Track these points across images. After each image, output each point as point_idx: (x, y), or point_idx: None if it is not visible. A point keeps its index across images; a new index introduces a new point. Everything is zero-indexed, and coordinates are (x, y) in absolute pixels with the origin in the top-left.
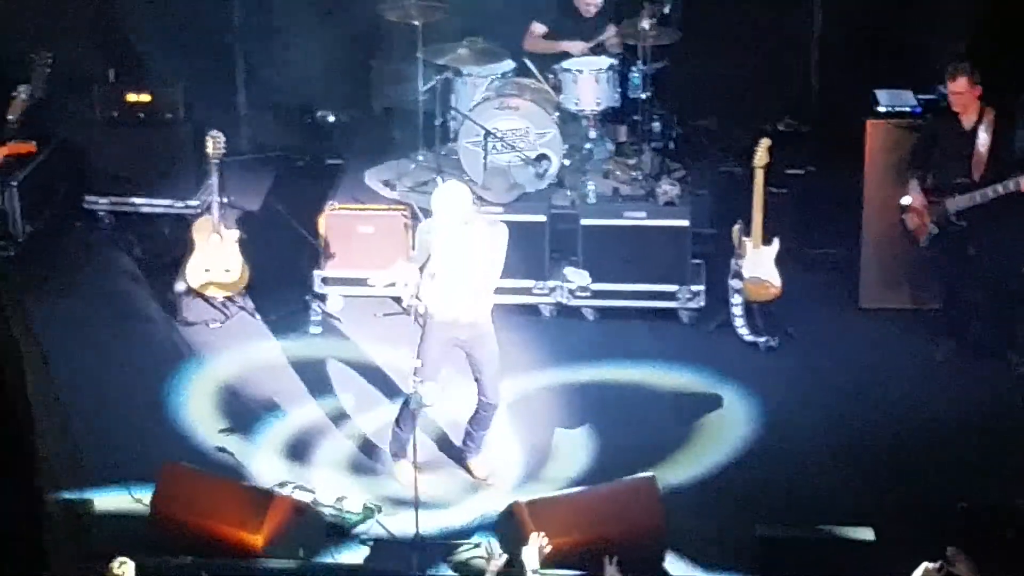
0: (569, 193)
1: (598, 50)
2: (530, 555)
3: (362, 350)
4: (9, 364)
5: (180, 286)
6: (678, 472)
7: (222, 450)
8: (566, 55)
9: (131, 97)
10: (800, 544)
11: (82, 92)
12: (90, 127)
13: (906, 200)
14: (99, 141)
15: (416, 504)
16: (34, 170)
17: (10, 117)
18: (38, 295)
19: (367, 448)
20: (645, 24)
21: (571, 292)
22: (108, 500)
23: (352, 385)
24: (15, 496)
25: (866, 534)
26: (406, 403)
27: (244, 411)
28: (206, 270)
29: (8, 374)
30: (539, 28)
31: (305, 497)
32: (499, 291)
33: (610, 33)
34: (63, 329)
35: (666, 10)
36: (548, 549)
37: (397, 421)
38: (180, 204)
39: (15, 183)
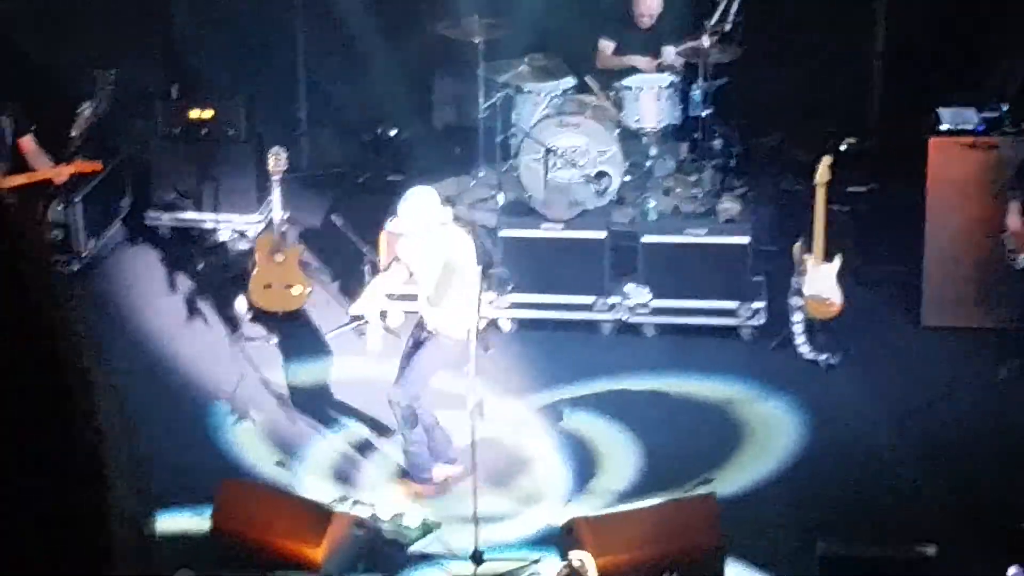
0: (630, 210)
1: (661, 66)
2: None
3: None
4: (76, 380)
5: (241, 302)
6: (736, 488)
7: (280, 464)
8: (628, 72)
9: (194, 113)
10: (862, 562)
11: (145, 108)
12: (153, 143)
13: (1011, 222)
14: (162, 157)
15: (475, 520)
16: (97, 186)
17: (74, 134)
18: (100, 310)
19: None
20: (705, 42)
21: (631, 309)
22: (170, 517)
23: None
24: (82, 514)
25: (928, 551)
26: (408, 422)
27: (305, 426)
28: (267, 286)
29: (75, 390)
30: (608, 45)
31: (364, 512)
32: (560, 307)
33: (669, 54)
34: (124, 344)
35: (727, 27)
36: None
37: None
38: (242, 220)
39: (78, 199)
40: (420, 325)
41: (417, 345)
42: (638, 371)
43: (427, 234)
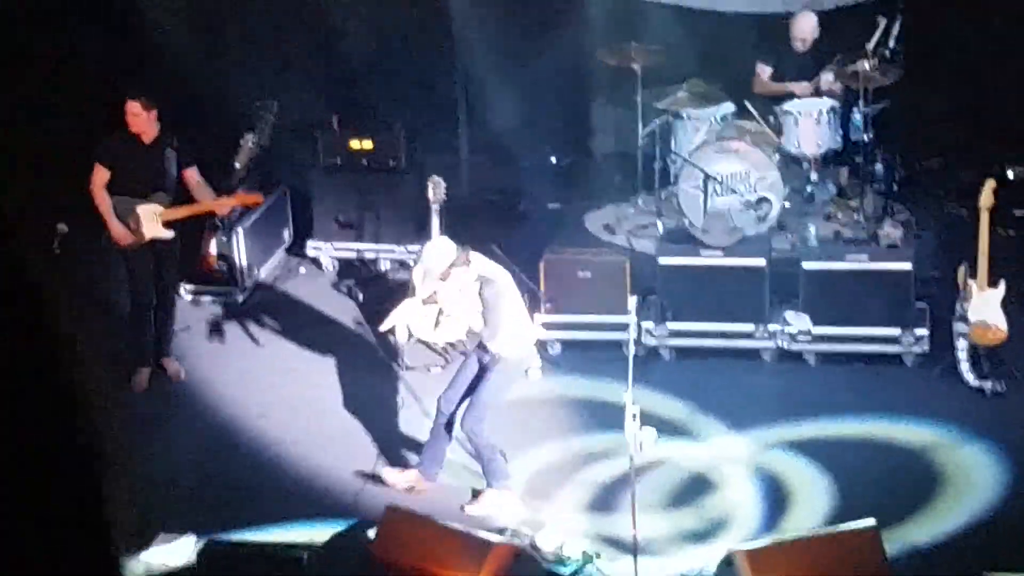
0: (790, 236)
1: (819, 91)
2: None
3: (583, 392)
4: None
5: (402, 332)
6: (907, 521)
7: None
8: (788, 97)
9: (354, 144)
10: None
11: (306, 140)
12: (314, 174)
13: None
14: (322, 188)
15: (635, 551)
16: (260, 217)
17: (237, 165)
18: (263, 340)
19: (587, 492)
20: (866, 66)
21: (792, 336)
22: (336, 538)
23: (573, 427)
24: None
25: None
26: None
27: (466, 455)
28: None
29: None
30: (765, 70)
31: (524, 542)
32: (719, 335)
33: (827, 80)
34: (285, 373)
35: (888, 50)
36: None
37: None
38: (402, 249)
39: (241, 230)
40: (482, 347)
41: (482, 370)
42: (800, 399)
43: (454, 283)
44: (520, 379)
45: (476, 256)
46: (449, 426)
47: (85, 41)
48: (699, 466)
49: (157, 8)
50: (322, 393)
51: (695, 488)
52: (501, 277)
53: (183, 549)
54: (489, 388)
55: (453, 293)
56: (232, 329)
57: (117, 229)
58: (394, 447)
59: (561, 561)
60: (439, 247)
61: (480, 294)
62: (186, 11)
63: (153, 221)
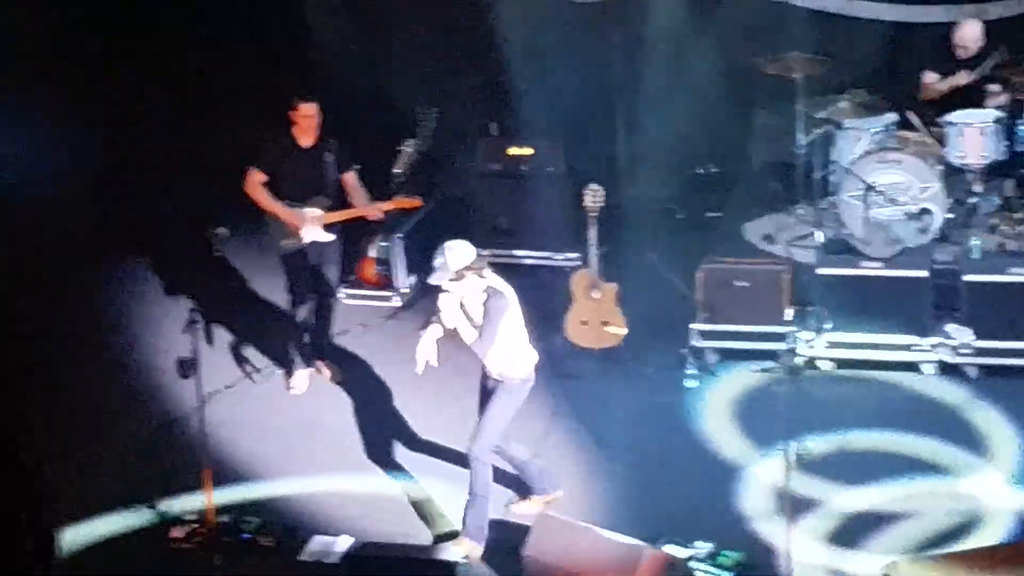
0: (952, 248)
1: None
2: None
3: (733, 404)
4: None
5: (559, 339)
6: None
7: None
8: (951, 108)
9: (513, 150)
10: None
11: (465, 146)
12: (473, 180)
13: None
14: (481, 193)
15: (787, 559)
16: (419, 222)
17: (397, 171)
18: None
19: (745, 502)
20: None
21: (953, 349)
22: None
23: (728, 440)
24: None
25: None
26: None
27: (620, 462)
28: (583, 323)
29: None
30: (932, 77)
31: (679, 552)
32: (879, 347)
33: (994, 89)
34: (440, 377)
35: None
36: None
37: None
38: (560, 257)
39: (400, 235)
40: (485, 374)
41: (487, 394)
42: (961, 413)
43: (463, 286)
44: (523, 401)
45: (491, 272)
46: (490, 475)
47: (248, 45)
48: (844, 478)
49: (321, 12)
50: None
51: (837, 498)
52: (509, 295)
53: (338, 547)
54: (494, 411)
55: (458, 297)
56: (390, 333)
57: (288, 215)
58: (543, 453)
59: (714, 570)
60: (461, 247)
61: (485, 304)
62: (350, 17)
63: (312, 224)
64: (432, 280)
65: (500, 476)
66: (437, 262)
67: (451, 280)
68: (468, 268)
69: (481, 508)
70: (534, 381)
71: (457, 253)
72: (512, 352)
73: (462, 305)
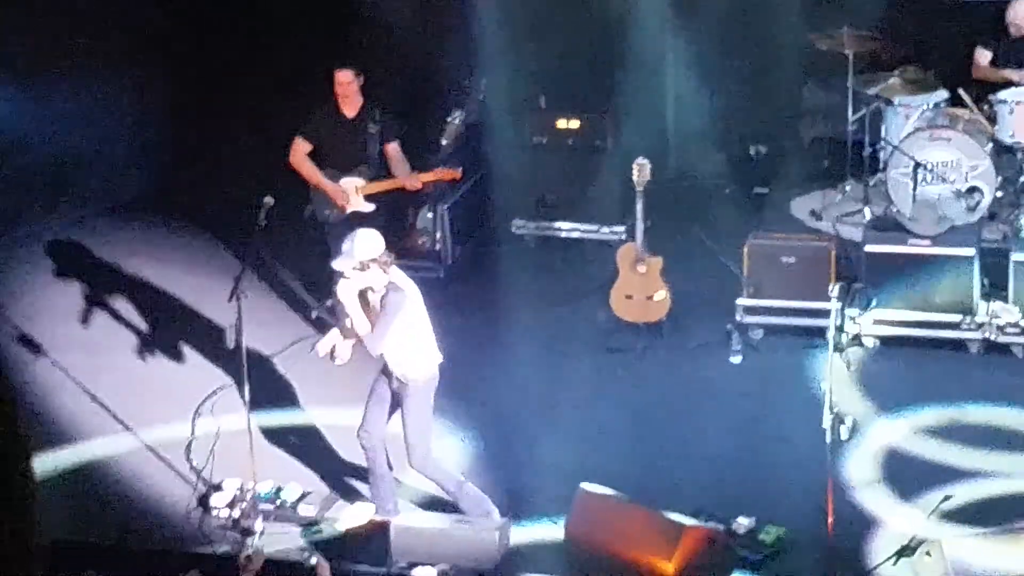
0: (1001, 227)
1: None
2: None
3: (777, 379)
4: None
5: (603, 313)
6: None
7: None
8: (1004, 85)
9: (561, 123)
10: None
11: (513, 118)
12: (520, 152)
13: None
14: (528, 166)
15: (829, 530)
16: (465, 194)
17: (444, 142)
18: (462, 317)
19: (789, 477)
20: None
21: (1000, 328)
22: (525, 526)
23: (770, 416)
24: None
25: None
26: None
27: (662, 437)
28: (628, 297)
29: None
30: (984, 55)
31: (717, 527)
32: (925, 325)
33: None
34: (483, 350)
35: None
36: None
37: None
38: (606, 230)
39: (446, 206)
40: (386, 372)
41: (394, 398)
42: (1007, 392)
43: (365, 278)
44: (433, 399)
45: (397, 269)
46: (384, 459)
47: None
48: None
49: None
50: (519, 371)
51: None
52: (411, 294)
53: (361, 513)
54: (414, 421)
55: (357, 286)
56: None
57: (332, 188)
58: (590, 426)
59: (755, 545)
60: (370, 237)
61: (383, 299)
62: None
63: (354, 194)
64: (335, 265)
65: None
66: (344, 247)
67: (354, 269)
68: (373, 260)
69: (473, 496)
70: (438, 380)
71: (364, 243)
72: (413, 352)
73: (364, 297)
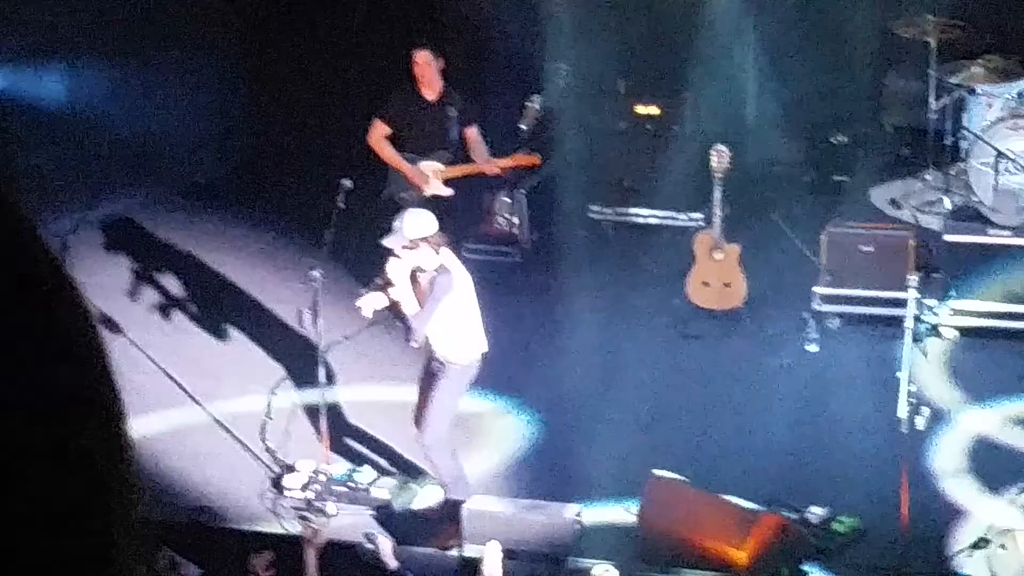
0: None
1: None
2: None
3: (854, 369)
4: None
5: (680, 300)
6: None
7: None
8: None
9: (640, 109)
10: None
11: (591, 103)
12: (598, 138)
13: None
14: (607, 152)
15: (903, 523)
16: (543, 179)
17: (522, 127)
18: (540, 302)
19: (864, 467)
20: None
21: None
22: (598, 511)
23: (846, 405)
24: None
25: None
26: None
27: (737, 427)
28: (705, 284)
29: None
30: None
31: (793, 516)
32: (1005, 316)
33: None
34: (557, 335)
35: None
36: None
37: None
38: (684, 217)
39: (524, 191)
40: (430, 354)
41: (430, 376)
42: None
43: (415, 257)
44: (468, 388)
45: (449, 252)
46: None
47: None
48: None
49: None
50: (593, 356)
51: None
52: (461, 277)
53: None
54: (440, 400)
55: (407, 266)
56: (509, 288)
57: (411, 170)
58: (664, 414)
59: (828, 535)
60: (422, 217)
61: (432, 280)
62: None
63: (433, 178)
64: (385, 242)
65: None
66: (395, 224)
67: (404, 248)
68: (424, 240)
69: (462, 491)
70: (478, 368)
71: (415, 221)
72: (458, 336)
73: (414, 278)
